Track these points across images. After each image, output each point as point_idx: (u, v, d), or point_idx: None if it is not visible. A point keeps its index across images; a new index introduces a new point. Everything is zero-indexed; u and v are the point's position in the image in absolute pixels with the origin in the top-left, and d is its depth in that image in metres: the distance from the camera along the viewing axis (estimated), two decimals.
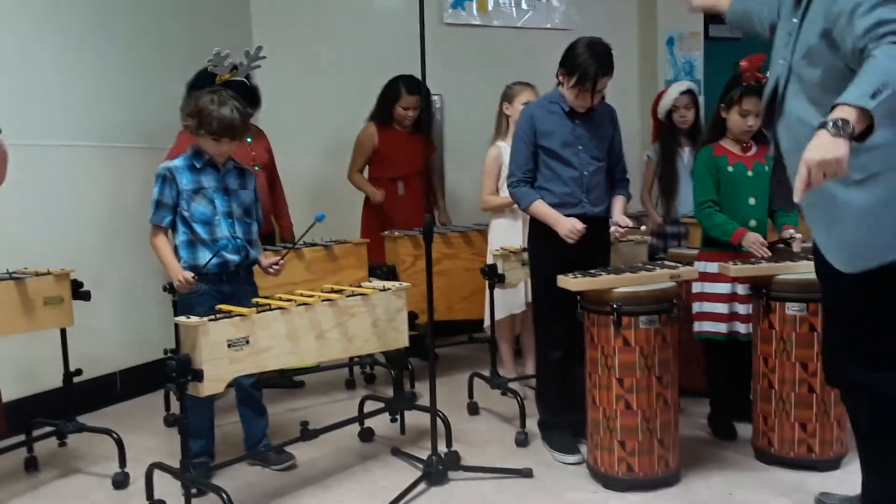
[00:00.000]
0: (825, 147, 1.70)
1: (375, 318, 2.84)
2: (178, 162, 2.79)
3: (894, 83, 1.69)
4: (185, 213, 2.76)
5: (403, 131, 4.29)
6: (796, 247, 3.01)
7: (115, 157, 3.93)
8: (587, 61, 2.82)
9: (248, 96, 3.71)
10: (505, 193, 3.67)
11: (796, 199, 1.80)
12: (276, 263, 2.91)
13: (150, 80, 4.05)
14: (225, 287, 2.80)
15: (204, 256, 2.74)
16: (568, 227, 2.88)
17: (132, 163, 3.95)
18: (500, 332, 3.76)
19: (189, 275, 2.69)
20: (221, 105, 2.72)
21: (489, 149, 3.81)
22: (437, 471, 2.76)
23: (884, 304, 2.02)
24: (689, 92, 4.00)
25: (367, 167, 4.42)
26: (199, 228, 2.75)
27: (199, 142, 2.80)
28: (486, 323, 3.73)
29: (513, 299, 3.69)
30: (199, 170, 2.79)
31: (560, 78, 2.93)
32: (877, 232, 1.95)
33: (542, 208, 2.95)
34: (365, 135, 4.33)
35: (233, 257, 2.80)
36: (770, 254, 2.93)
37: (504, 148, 3.73)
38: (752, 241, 2.95)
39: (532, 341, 3.78)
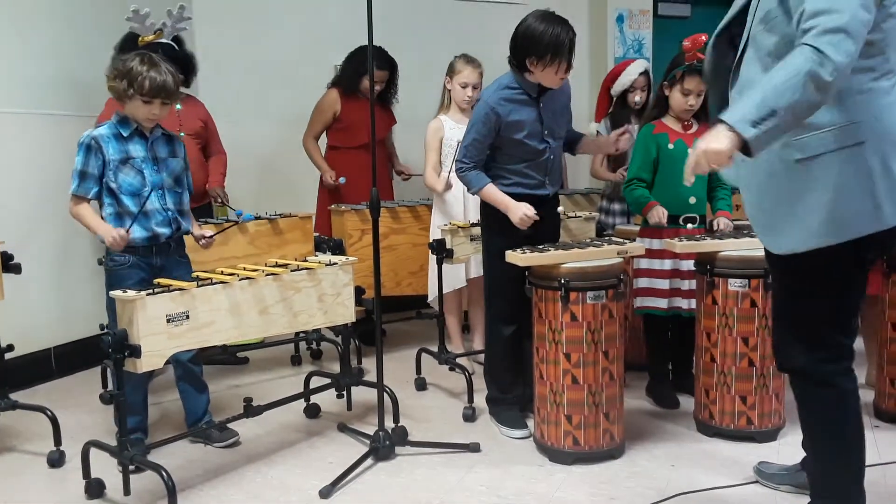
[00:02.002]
0: (716, 138, 1.75)
1: (321, 293, 2.80)
2: (103, 130, 2.64)
3: (781, 111, 1.70)
4: (113, 185, 2.63)
5: (366, 100, 4.22)
6: (722, 226, 3.09)
7: (41, 125, 3.73)
8: (555, 33, 2.70)
9: (181, 63, 3.55)
10: (449, 168, 3.65)
11: (687, 182, 1.86)
12: (207, 237, 2.83)
13: (79, 45, 3.85)
14: (155, 260, 2.70)
15: (133, 230, 2.62)
16: (520, 214, 2.83)
17: (58, 130, 3.76)
18: (447, 308, 3.75)
19: (122, 230, 2.56)
20: (152, 66, 2.60)
21: (430, 122, 3.76)
22: (385, 446, 2.74)
23: (813, 289, 1.98)
24: (645, 73, 4.01)
25: (324, 134, 4.32)
26: (126, 200, 2.63)
27: (125, 108, 2.66)
28: (430, 297, 3.72)
29: (455, 274, 3.67)
30: (126, 138, 2.66)
31: (530, 67, 2.76)
32: (802, 216, 1.91)
33: (493, 193, 2.88)
34: (327, 101, 4.23)
35: (163, 230, 2.70)
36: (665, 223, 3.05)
37: (445, 121, 3.69)
38: (653, 214, 3.05)
39: (479, 317, 3.79)
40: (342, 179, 4.00)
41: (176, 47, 3.53)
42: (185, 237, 2.85)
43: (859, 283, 2.00)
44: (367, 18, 2.56)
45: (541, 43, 2.72)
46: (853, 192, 1.84)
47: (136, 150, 2.67)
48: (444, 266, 3.47)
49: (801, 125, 1.82)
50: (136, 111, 2.64)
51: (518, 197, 2.89)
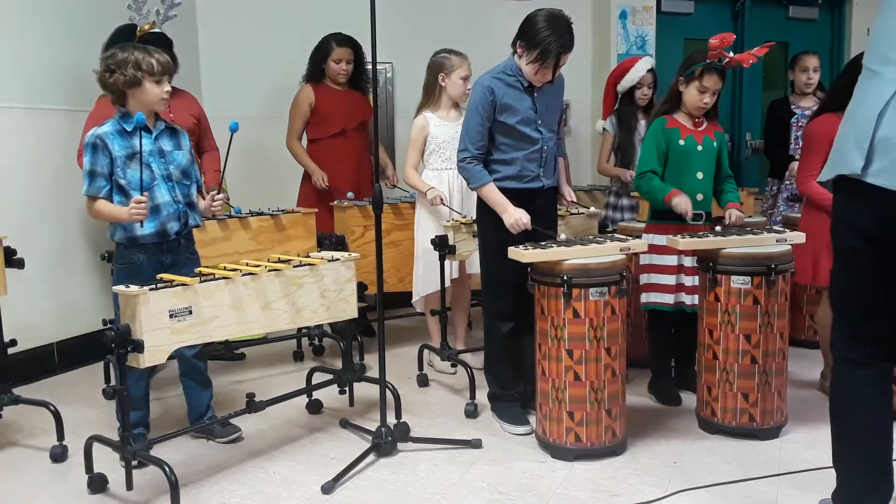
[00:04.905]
0: None
1: (324, 289, 2.80)
2: (107, 128, 2.62)
3: None
4: (122, 181, 2.61)
5: (339, 88, 4.23)
6: (734, 218, 3.07)
7: (41, 120, 3.72)
8: (549, 38, 2.72)
9: (171, 52, 3.55)
10: (433, 167, 3.63)
11: None
12: (214, 199, 2.77)
13: (77, 39, 3.83)
14: (165, 257, 2.69)
15: (143, 225, 2.61)
16: (514, 218, 2.82)
17: (58, 125, 3.75)
18: (433, 306, 3.69)
19: (136, 197, 2.53)
20: (144, 50, 2.62)
21: (415, 119, 3.67)
22: (387, 442, 2.74)
23: (848, 277, 2.03)
24: (652, 70, 4.02)
25: (305, 132, 4.31)
26: (137, 196, 2.61)
27: (130, 101, 2.63)
28: (415, 298, 3.72)
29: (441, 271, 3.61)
30: (131, 134, 2.63)
31: (519, 51, 2.82)
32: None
33: (492, 193, 2.87)
34: (302, 96, 4.23)
35: (173, 224, 2.68)
36: (690, 213, 2.99)
37: (430, 118, 3.62)
38: (678, 202, 2.99)
39: (460, 317, 3.79)
40: (350, 195, 3.98)
41: (167, 37, 3.53)
42: (193, 233, 2.83)
43: (862, 279, 1.98)
44: (370, 21, 2.56)
45: (534, 38, 2.75)
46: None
47: (142, 144, 2.66)
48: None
49: None
50: (148, 96, 2.62)
51: (513, 191, 2.88)
